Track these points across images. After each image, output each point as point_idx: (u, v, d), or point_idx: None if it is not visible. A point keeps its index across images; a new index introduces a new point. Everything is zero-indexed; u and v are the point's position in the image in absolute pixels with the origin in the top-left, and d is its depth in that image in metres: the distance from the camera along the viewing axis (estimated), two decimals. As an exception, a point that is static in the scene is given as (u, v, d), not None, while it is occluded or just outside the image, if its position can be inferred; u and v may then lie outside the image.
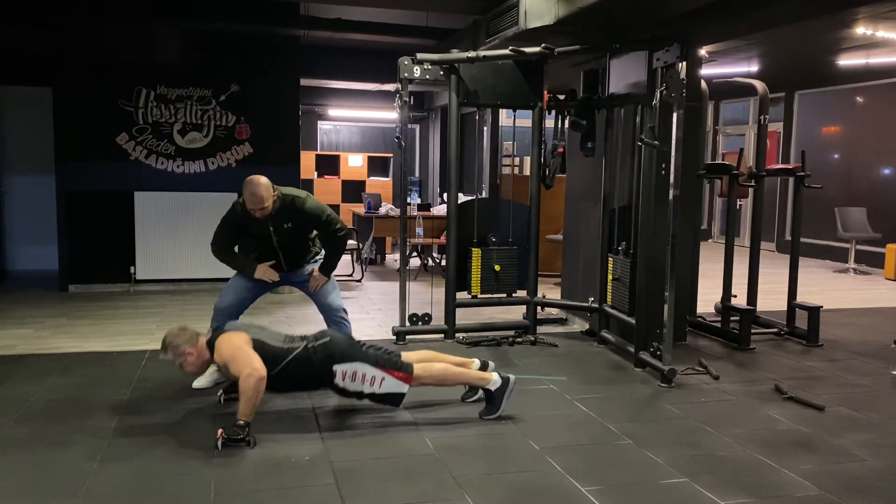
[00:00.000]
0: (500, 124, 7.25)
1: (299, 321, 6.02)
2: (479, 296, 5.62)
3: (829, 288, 8.18)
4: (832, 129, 10.99)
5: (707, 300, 6.25)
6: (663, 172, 4.59)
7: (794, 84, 11.19)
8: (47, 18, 6.83)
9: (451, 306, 5.49)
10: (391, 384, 3.64)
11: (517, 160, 9.35)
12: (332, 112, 13.31)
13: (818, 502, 2.93)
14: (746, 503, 2.91)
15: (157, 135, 7.28)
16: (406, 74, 5.22)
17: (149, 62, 7.25)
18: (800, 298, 5.84)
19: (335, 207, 11.40)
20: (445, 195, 5.90)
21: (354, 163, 12.58)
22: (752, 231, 5.98)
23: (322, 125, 13.97)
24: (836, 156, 10.86)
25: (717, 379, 4.58)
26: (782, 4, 4.74)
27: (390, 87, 10.36)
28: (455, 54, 5.27)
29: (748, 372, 4.81)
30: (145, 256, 7.31)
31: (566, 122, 5.68)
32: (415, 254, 9.24)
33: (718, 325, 5.74)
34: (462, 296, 5.58)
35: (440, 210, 8.82)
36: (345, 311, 4.58)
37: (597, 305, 5.49)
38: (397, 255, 7.19)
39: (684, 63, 4.33)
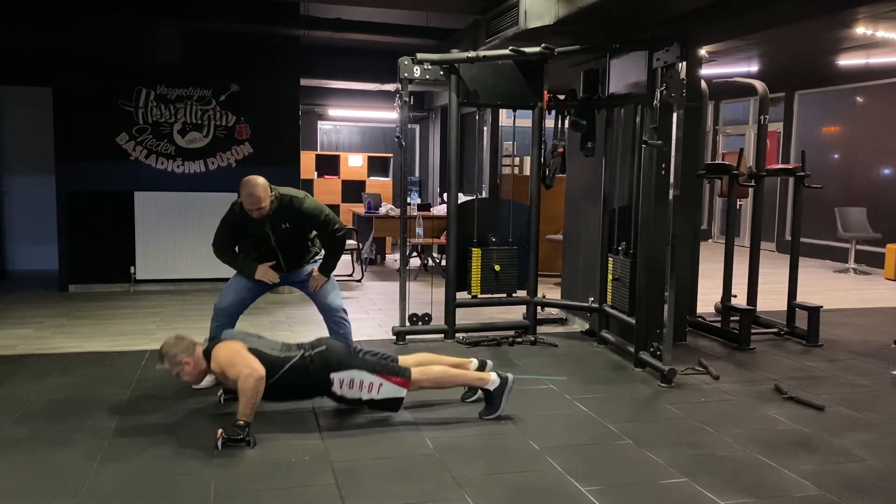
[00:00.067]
0: (500, 124, 7.24)
1: (299, 321, 6.02)
2: (479, 296, 5.62)
3: (829, 288, 8.18)
4: (832, 129, 10.99)
5: (707, 300, 6.26)
6: (663, 172, 4.59)
7: (794, 84, 11.19)
8: (47, 18, 6.83)
9: (451, 306, 5.49)
10: (389, 389, 3.64)
11: (517, 160, 9.35)
12: (332, 112, 13.31)
13: (818, 502, 2.93)
14: (746, 503, 2.91)
15: (157, 135, 7.29)
16: (406, 74, 5.22)
17: (149, 62, 7.25)
18: (800, 298, 5.84)
19: (335, 207, 11.41)
20: (445, 195, 5.90)
21: (354, 163, 12.57)
22: (752, 231, 5.98)
23: (322, 125, 13.97)
24: (836, 156, 10.85)
25: (717, 379, 4.58)
26: (782, 4, 4.74)
27: (390, 87, 10.36)
28: (455, 54, 5.27)
29: (748, 372, 4.81)
30: (145, 256, 7.31)
31: (566, 122, 5.68)
32: (415, 254, 9.24)
33: (718, 325, 5.74)
34: (462, 296, 5.58)
35: (440, 210, 8.82)
36: (345, 311, 4.58)
37: (597, 305, 5.49)
38: (397, 255, 7.20)
39: (684, 63, 4.33)
